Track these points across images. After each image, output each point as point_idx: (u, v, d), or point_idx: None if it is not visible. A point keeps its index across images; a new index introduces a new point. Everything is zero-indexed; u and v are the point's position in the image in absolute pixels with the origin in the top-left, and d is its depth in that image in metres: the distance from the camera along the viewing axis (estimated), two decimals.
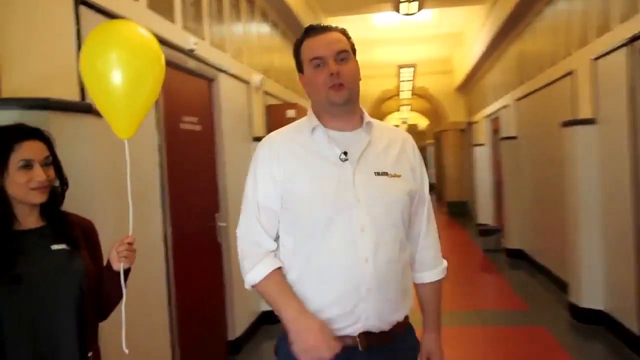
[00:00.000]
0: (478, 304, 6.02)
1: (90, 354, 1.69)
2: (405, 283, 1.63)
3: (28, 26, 1.90)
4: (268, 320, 5.04)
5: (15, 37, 2.07)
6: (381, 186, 1.58)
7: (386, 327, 1.58)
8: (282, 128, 1.69)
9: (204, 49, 4.06)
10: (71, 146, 2.03)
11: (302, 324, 1.49)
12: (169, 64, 3.58)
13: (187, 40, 3.77)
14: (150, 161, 3.22)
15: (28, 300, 1.57)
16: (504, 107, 8.38)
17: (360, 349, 1.54)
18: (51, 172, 1.68)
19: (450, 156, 14.66)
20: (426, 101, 15.22)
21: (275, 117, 5.76)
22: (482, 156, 10.54)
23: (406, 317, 1.65)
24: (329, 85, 1.55)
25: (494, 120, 9.51)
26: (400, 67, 11.91)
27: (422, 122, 21.76)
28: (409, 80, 12.84)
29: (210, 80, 4.33)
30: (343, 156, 1.57)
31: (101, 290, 1.74)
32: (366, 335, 1.55)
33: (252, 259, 1.59)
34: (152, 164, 3.25)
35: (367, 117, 1.64)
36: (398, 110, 18.78)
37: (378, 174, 1.58)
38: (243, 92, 5.08)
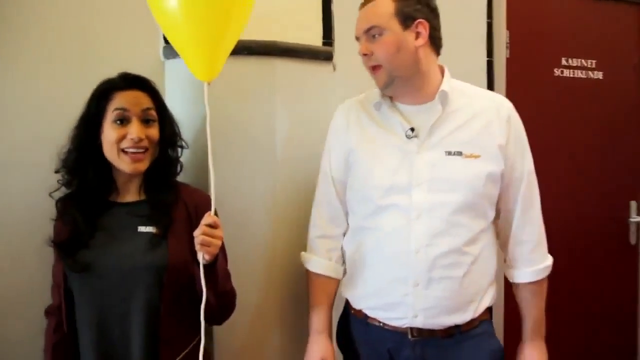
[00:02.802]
0: None
1: None
2: (473, 282, 1.41)
3: None
4: None
5: None
6: (451, 168, 1.39)
7: (439, 328, 1.41)
8: (363, 93, 1.57)
9: None
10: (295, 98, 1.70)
11: (314, 342, 1.55)
12: None
13: None
14: None
15: (98, 288, 1.33)
16: None
17: (410, 338, 1.42)
18: (153, 131, 1.37)
19: None
20: None
21: None
22: None
23: (473, 320, 1.43)
24: (367, 66, 1.43)
25: None
26: None
27: None
28: None
29: None
30: (410, 132, 1.41)
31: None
32: (419, 329, 1.42)
33: (315, 245, 1.57)
34: None
35: (446, 85, 1.41)
36: None
37: (450, 153, 1.40)
38: None
